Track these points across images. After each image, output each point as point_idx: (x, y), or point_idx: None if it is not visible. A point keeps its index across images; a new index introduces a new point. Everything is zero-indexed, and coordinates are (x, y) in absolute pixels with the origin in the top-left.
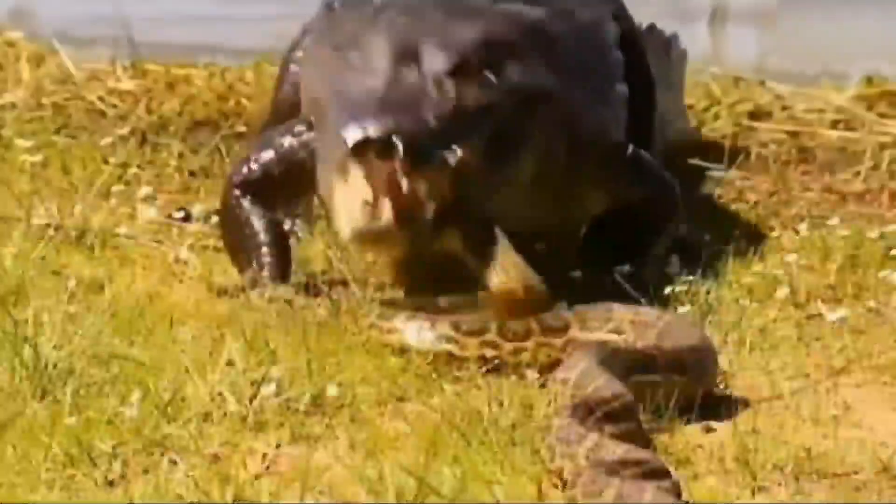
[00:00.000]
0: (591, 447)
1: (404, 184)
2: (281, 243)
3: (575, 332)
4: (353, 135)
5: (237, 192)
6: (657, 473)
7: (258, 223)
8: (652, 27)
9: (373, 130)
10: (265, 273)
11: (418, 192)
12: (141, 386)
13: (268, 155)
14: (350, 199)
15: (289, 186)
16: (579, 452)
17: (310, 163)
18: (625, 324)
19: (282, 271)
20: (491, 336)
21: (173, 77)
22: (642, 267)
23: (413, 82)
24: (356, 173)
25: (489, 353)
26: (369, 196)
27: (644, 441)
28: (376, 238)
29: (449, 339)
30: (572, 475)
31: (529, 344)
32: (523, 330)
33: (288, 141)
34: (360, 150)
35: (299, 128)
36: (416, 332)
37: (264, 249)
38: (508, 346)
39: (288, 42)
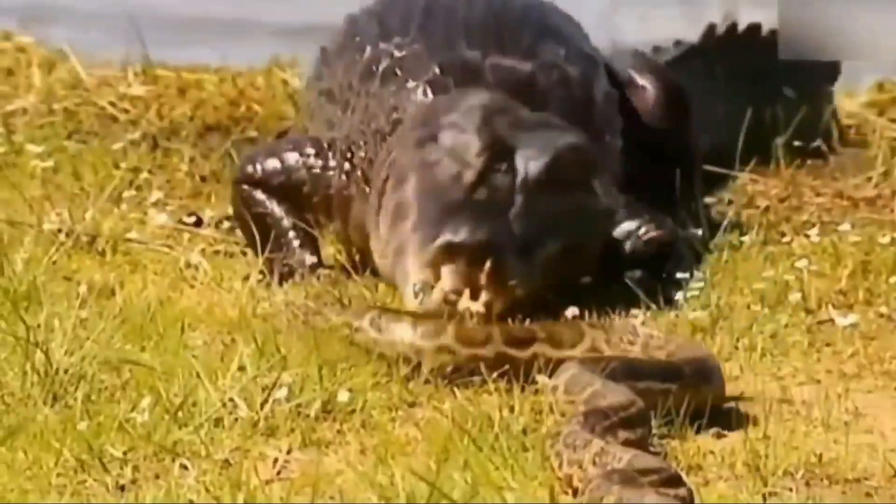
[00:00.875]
0: (597, 452)
1: (484, 294)
2: (300, 226)
3: (544, 348)
4: (447, 236)
5: (246, 187)
6: (671, 481)
7: (276, 210)
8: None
9: (466, 236)
10: (296, 249)
11: (495, 301)
12: (152, 391)
13: (272, 164)
14: (421, 278)
15: (284, 200)
16: (585, 458)
17: (308, 187)
18: (600, 343)
19: (312, 247)
20: (447, 340)
21: (184, 82)
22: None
23: (506, 188)
24: (437, 264)
25: (445, 358)
26: (446, 285)
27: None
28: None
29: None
30: (582, 484)
31: (486, 351)
32: (483, 336)
33: (294, 158)
34: (450, 251)
35: (308, 150)
36: (377, 330)
37: (290, 233)
38: (465, 352)
39: (303, 46)
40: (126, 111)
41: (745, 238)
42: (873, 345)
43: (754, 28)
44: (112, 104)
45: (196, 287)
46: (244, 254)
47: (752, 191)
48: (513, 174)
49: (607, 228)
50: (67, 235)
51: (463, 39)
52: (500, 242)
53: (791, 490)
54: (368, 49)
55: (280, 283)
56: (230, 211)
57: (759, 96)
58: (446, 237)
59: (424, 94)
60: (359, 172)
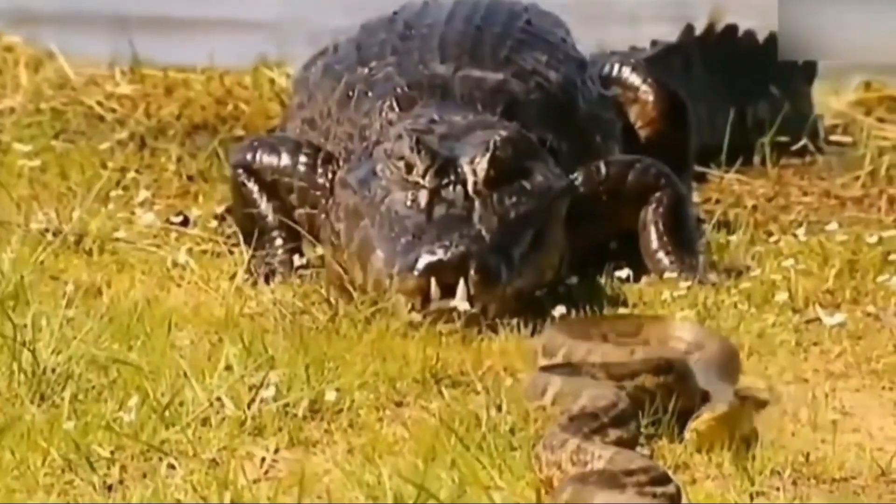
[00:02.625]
0: (574, 451)
1: (476, 301)
2: (286, 223)
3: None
4: (425, 258)
5: (241, 171)
6: (658, 480)
7: (264, 206)
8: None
9: (443, 253)
10: (280, 248)
11: (489, 305)
12: (139, 391)
13: (269, 160)
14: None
15: (273, 196)
16: (563, 459)
17: (296, 199)
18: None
19: (296, 247)
20: None
21: (171, 81)
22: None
23: (461, 197)
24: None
25: None
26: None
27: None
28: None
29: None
30: (559, 485)
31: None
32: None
33: (288, 160)
34: (432, 272)
35: (304, 158)
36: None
37: (275, 231)
38: None
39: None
40: (113, 110)
41: (733, 237)
42: (861, 344)
43: (731, 29)
44: (99, 103)
45: (183, 286)
46: (231, 253)
47: (739, 190)
48: (462, 182)
49: (563, 207)
50: (55, 235)
51: (437, 56)
52: (477, 248)
53: (778, 489)
54: (346, 76)
55: (266, 282)
56: (217, 209)
57: (738, 96)
58: (425, 259)
59: (391, 109)
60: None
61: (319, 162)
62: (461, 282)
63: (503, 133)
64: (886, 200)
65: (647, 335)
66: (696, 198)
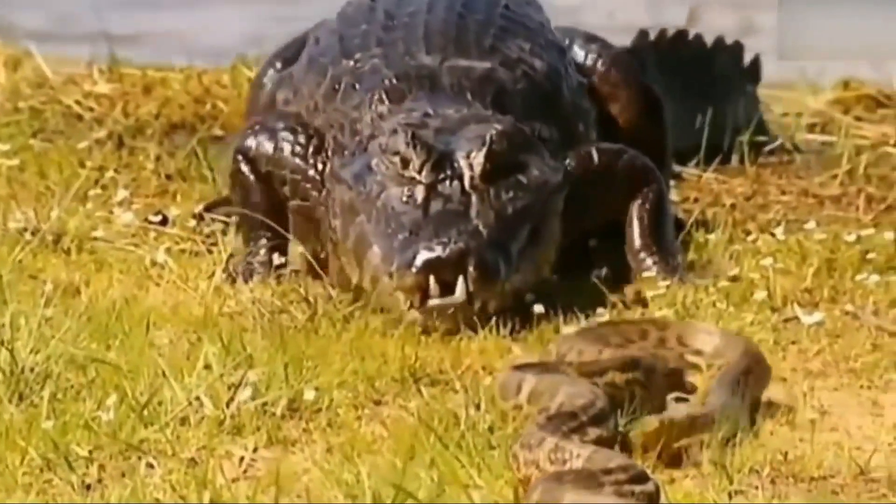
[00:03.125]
0: (552, 449)
1: (476, 297)
2: (272, 225)
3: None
4: (423, 255)
5: (240, 158)
6: (636, 478)
7: (255, 200)
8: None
9: (441, 249)
10: (263, 249)
11: (488, 301)
12: (118, 390)
13: (268, 147)
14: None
15: (264, 187)
16: (541, 457)
17: (287, 183)
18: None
19: (280, 247)
20: None
21: (150, 80)
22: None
23: (457, 192)
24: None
25: None
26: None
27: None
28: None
29: None
30: (532, 483)
31: None
32: None
33: (288, 148)
34: (431, 268)
35: (298, 148)
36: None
37: (261, 231)
38: None
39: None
40: (91, 109)
41: (711, 236)
42: (839, 343)
43: (682, 33)
44: (77, 102)
45: (162, 285)
46: (210, 252)
47: (717, 189)
48: (458, 177)
49: (559, 201)
50: (33, 234)
51: (423, 47)
52: (476, 244)
53: (757, 488)
54: (330, 69)
55: (245, 282)
56: (196, 208)
57: (689, 99)
58: (423, 256)
59: (381, 101)
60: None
61: (311, 151)
62: (460, 279)
63: (498, 127)
64: (864, 199)
65: (667, 340)
66: (674, 196)
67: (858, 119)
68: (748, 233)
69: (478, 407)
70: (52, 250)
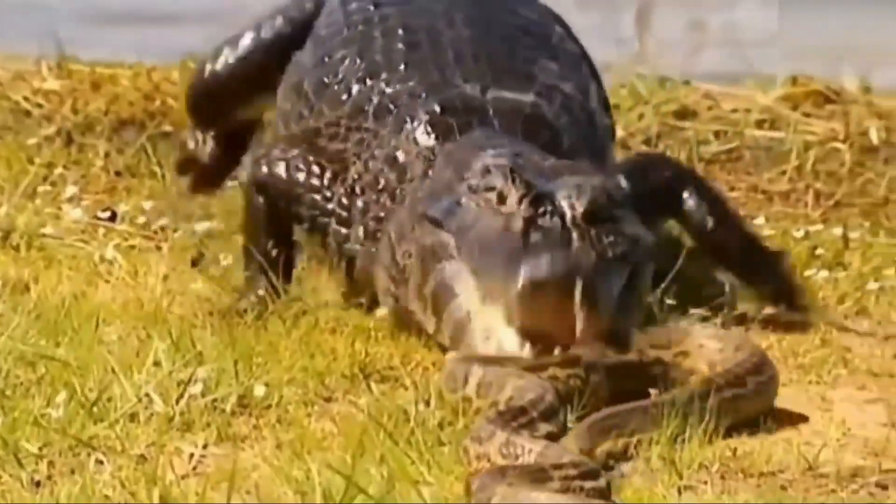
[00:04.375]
0: (503, 443)
1: (579, 323)
2: (278, 261)
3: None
4: (527, 273)
5: (254, 190)
6: (587, 474)
7: (262, 240)
8: None
9: (547, 269)
10: (261, 290)
11: (587, 332)
12: (67, 386)
13: (279, 172)
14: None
15: (274, 226)
16: (491, 451)
17: (303, 220)
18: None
19: (281, 285)
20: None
21: (99, 77)
22: None
23: (557, 229)
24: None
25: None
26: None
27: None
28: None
29: None
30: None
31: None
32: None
33: (300, 183)
34: (537, 288)
35: (315, 182)
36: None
37: (261, 274)
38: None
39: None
40: (40, 106)
41: (660, 233)
42: (787, 338)
43: None
44: (26, 99)
45: (111, 282)
46: (159, 248)
47: None
48: (559, 215)
49: (656, 256)
50: None
51: (457, 72)
52: (582, 269)
53: (706, 483)
54: (355, 87)
55: (234, 317)
56: (145, 205)
57: None
58: (527, 275)
59: (427, 134)
60: (360, 220)
61: (327, 182)
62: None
63: (600, 178)
64: (813, 195)
65: (682, 346)
66: None
67: (807, 115)
68: None
69: (427, 403)
70: (0, 247)
